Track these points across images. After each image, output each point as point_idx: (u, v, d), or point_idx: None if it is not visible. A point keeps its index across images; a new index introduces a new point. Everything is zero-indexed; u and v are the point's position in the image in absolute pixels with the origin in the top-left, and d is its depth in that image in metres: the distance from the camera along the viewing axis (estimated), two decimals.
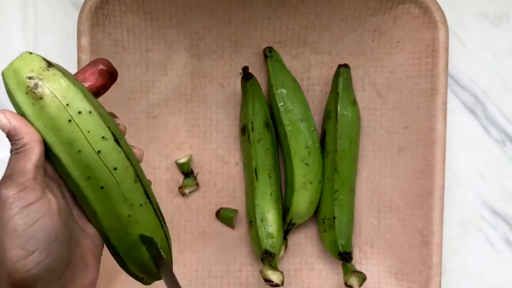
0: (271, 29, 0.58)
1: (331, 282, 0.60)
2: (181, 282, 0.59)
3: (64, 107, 0.32)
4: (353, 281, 0.53)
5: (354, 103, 0.57)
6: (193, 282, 0.59)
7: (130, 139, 0.57)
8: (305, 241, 0.60)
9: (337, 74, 0.57)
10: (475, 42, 0.60)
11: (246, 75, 0.56)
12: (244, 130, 0.57)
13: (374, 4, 0.55)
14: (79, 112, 0.33)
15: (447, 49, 0.54)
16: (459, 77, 0.60)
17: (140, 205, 0.35)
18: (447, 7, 0.54)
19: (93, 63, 0.38)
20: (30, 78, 0.32)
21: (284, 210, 0.58)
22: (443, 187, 0.55)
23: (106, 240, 0.35)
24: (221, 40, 0.58)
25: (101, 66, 0.38)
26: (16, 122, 0.31)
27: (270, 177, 0.57)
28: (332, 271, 0.60)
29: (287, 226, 0.58)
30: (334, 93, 0.57)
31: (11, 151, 0.31)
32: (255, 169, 0.56)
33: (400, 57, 0.57)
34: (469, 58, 0.60)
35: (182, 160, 0.58)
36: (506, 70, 0.60)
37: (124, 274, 0.52)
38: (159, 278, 0.38)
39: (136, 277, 0.38)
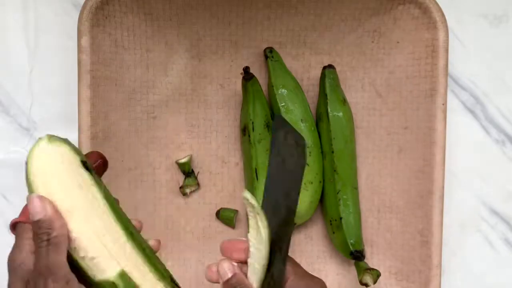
0: (271, 30, 0.58)
1: (331, 282, 0.60)
2: (181, 282, 0.59)
3: None
4: (367, 278, 0.53)
5: (344, 102, 0.57)
6: (193, 282, 0.59)
7: (130, 139, 0.57)
8: (305, 241, 0.60)
9: (323, 76, 0.57)
10: (474, 43, 0.60)
11: (247, 75, 0.56)
12: (244, 130, 0.57)
13: (373, 5, 0.55)
14: None
15: (446, 50, 0.54)
16: (458, 78, 0.60)
17: None
18: (446, 8, 0.54)
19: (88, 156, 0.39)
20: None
21: None
22: (443, 187, 0.55)
23: None
24: (221, 40, 0.58)
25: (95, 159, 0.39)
26: (52, 214, 0.32)
27: None
28: (332, 271, 0.60)
29: None
30: (322, 95, 0.57)
31: (41, 242, 0.32)
32: (255, 169, 0.56)
33: (399, 57, 0.57)
34: (468, 59, 0.60)
35: (183, 160, 0.58)
36: (505, 71, 0.60)
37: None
38: None
39: None
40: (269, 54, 0.57)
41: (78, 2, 0.58)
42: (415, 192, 0.57)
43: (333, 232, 0.58)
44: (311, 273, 0.40)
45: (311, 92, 0.58)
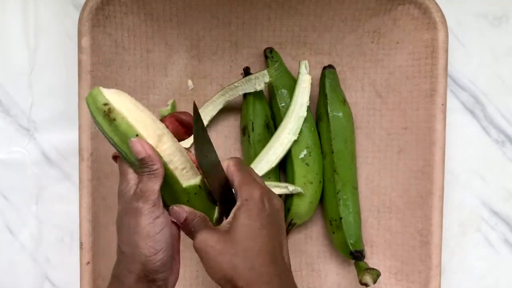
0: (271, 30, 0.58)
1: (330, 282, 0.60)
2: (181, 282, 0.60)
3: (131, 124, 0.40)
4: (367, 278, 0.53)
5: (344, 102, 0.57)
6: (193, 282, 0.59)
7: None
8: (305, 241, 0.60)
9: (322, 76, 0.57)
10: (474, 43, 0.60)
11: (248, 76, 0.56)
12: (244, 131, 0.57)
13: (373, 5, 0.55)
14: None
15: (446, 50, 0.54)
16: (458, 78, 0.60)
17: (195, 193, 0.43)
18: (446, 8, 0.55)
19: (176, 113, 0.46)
20: (105, 104, 0.40)
21: (284, 210, 0.58)
22: (443, 187, 0.55)
23: None
24: (221, 41, 0.58)
25: (181, 116, 0.45)
26: (150, 152, 0.39)
27: (269, 178, 0.57)
28: (332, 271, 0.60)
29: (287, 227, 0.58)
30: (322, 95, 0.57)
31: (142, 173, 0.40)
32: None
33: (399, 58, 0.57)
34: (468, 59, 0.60)
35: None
36: (505, 71, 0.60)
37: None
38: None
39: None
40: (269, 54, 0.57)
41: (78, 2, 0.58)
42: (415, 192, 0.57)
43: (333, 232, 0.58)
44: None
45: (311, 93, 0.58)
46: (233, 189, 0.42)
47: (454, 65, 0.59)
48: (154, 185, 0.39)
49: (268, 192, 0.42)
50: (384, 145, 0.59)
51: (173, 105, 0.58)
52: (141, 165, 0.40)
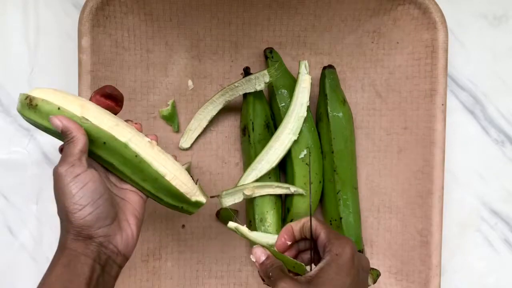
0: (271, 30, 0.58)
1: None
2: (181, 282, 0.59)
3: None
4: (368, 278, 0.53)
5: (344, 102, 0.57)
6: (193, 282, 0.59)
7: None
8: None
9: (322, 76, 0.57)
10: (474, 43, 0.60)
11: (248, 76, 0.56)
12: (244, 130, 0.57)
13: (373, 6, 0.55)
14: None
15: (446, 50, 0.55)
16: (458, 78, 0.60)
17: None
18: (446, 8, 0.55)
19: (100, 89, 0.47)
20: (26, 98, 0.43)
21: (284, 211, 0.58)
22: (443, 187, 0.55)
23: (143, 190, 0.46)
24: (221, 41, 0.58)
25: (104, 90, 0.46)
26: (66, 122, 0.41)
27: (270, 178, 0.57)
28: None
29: None
30: (322, 95, 0.57)
31: (65, 143, 0.41)
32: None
33: (399, 58, 0.57)
34: (468, 59, 0.60)
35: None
36: (505, 71, 0.60)
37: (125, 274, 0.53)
38: (197, 207, 0.48)
39: (177, 208, 0.47)
40: (269, 54, 0.57)
41: (78, 2, 0.58)
42: (415, 192, 0.57)
43: None
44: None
45: (311, 93, 0.58)
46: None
47: (454, 65, 0.60)
48: (72, 149, 0.41)
49: (356, 249, 0.42)
50: (384, 145, 0.59)
51: (173, 105, 0.58)
52: (63, 137, 0.42)
